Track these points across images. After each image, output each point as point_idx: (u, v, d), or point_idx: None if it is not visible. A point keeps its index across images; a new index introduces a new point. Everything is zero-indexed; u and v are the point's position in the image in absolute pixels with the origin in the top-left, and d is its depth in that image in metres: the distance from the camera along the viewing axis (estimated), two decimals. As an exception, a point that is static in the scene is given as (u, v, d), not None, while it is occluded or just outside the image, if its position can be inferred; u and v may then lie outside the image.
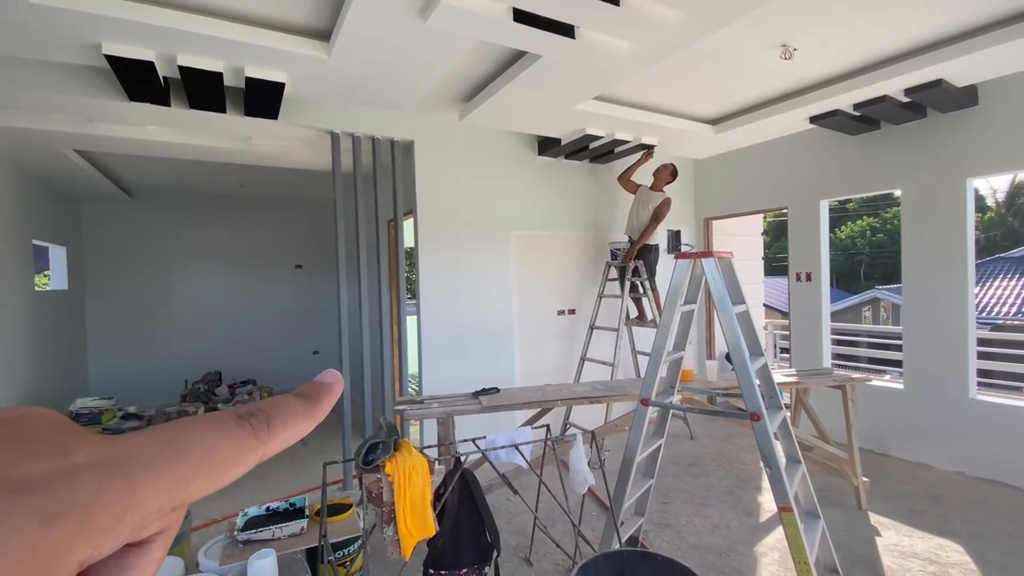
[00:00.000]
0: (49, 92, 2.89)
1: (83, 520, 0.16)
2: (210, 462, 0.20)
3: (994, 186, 19.91)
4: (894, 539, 2.90)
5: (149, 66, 2.56)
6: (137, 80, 2.69)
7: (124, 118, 3.41)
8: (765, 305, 7.56)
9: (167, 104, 3.00)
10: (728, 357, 5.85)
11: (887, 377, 4.70)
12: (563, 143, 4.34)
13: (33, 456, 0.17)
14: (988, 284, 12.15)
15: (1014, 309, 11.33)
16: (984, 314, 11.17)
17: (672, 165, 4.63)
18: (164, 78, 2.79)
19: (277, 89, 2.93)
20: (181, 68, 2.62)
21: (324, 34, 2.66)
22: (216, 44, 2.48)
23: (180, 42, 2.45)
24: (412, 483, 1.95)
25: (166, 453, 0.19)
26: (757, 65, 3.26)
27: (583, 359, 4.57)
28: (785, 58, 3.07)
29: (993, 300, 11.77)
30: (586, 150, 4.48)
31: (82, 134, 3.60)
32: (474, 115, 3.72)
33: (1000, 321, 10.43)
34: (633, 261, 4.52)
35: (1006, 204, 19.48)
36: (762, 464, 2.04)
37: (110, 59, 2.47)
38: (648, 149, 4.63)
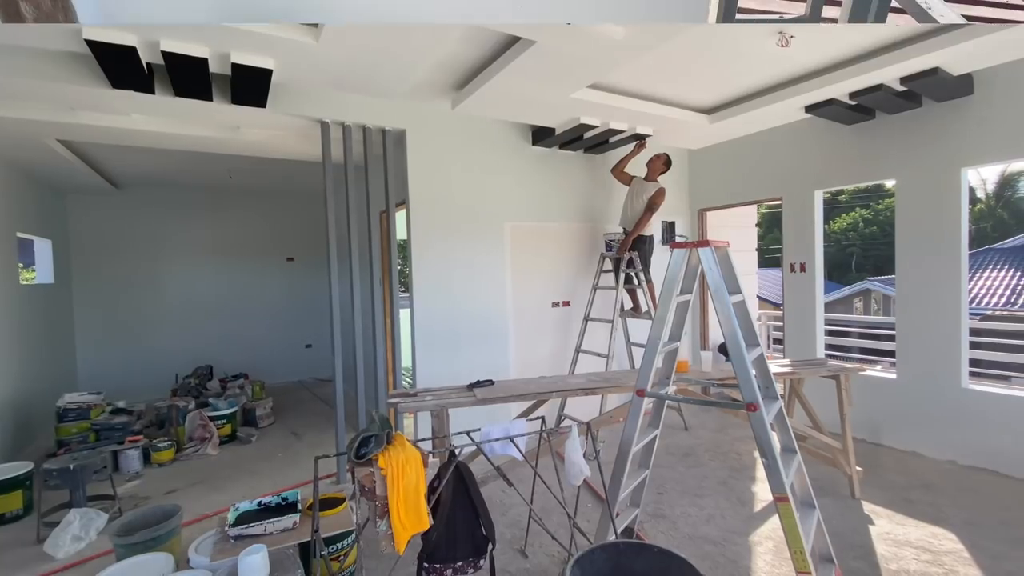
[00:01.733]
0: (29, 79, 2.81)
1: None
2: None
3: (984, 177, 20.04)
4: (887, 527, 2.92)
5: (131, 51, 2.49)
6: (119, 66, 2.61)
7: (108, 106, 3.33)
8: (758, 297, 7.59)
9: (151, 92, 2.92)
10: (722, 348, 5.83)
11: (878, 367, 4.72)
12: (557, 133, 4.29)
13: None
14: (978, 275, 12.28)
15: (1003, 299, 11.45)
16: (974, 304, 11.29)
17: (665, 155, 4.60)
18: (147, 64, 2.71)
19: (264, 76, 2.86)
20: (165, 54, 2.54)
21: (312, 19, 2.59)
22: (200, 28, 2.41)
23: (162, 26, 2.37)
24: (406, 476, 1.92)
25: None
26: (753, 53, 3.22)
27: (578, 351, 4.56)
28: (781, 45, 3.03)
29: (983, 291, 11.90)
30: (580, 140, 4.44)
31: (65, 123, 3.51)
32: (467, 103, 3.66)
33: (990, 311, 10.54)
34: (628, 252, 4.49)
35: (996, 196, 19.62)
36: (758, 454, 2.03)
37: (91, 44, 2.39)
38: (641, 140, 4.60)
